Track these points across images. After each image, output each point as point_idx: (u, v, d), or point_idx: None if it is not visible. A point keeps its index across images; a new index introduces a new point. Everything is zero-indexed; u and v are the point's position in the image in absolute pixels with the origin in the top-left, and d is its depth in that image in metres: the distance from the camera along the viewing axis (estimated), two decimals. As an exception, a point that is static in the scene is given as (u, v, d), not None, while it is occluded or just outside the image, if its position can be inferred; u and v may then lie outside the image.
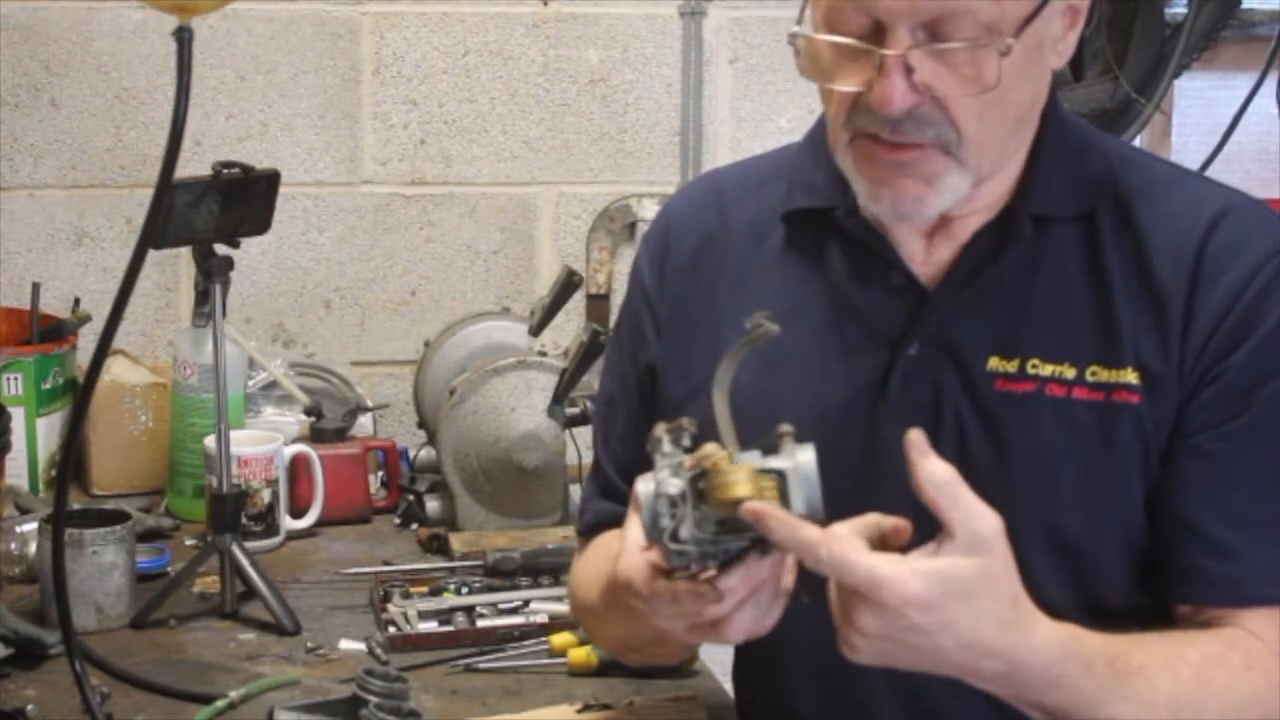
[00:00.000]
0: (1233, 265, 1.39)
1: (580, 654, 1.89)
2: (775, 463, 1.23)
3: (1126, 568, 1.42)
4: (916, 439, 1.22)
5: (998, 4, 1.28)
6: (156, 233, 1.79)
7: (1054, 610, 1.38)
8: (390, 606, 2.04)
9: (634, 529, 1.31)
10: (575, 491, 2.16)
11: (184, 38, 1.48)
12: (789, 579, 1.28)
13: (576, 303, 2.69)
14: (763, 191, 1.55)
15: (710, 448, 1.24)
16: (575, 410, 2.25)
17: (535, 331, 2.44)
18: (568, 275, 2.36)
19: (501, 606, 2.05)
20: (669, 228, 1.60)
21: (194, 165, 2.32)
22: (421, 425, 2.58)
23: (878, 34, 1.30)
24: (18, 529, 2.14)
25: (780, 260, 1.51)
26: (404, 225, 2.89)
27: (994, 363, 1.41)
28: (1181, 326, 1.39)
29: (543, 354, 2.39)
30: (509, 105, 2.90)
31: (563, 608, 1.99)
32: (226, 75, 2.80)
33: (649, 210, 2.90)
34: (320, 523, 2.36)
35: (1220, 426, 1.39)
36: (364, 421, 2.61)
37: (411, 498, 2.44)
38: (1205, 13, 2.74)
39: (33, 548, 2.10)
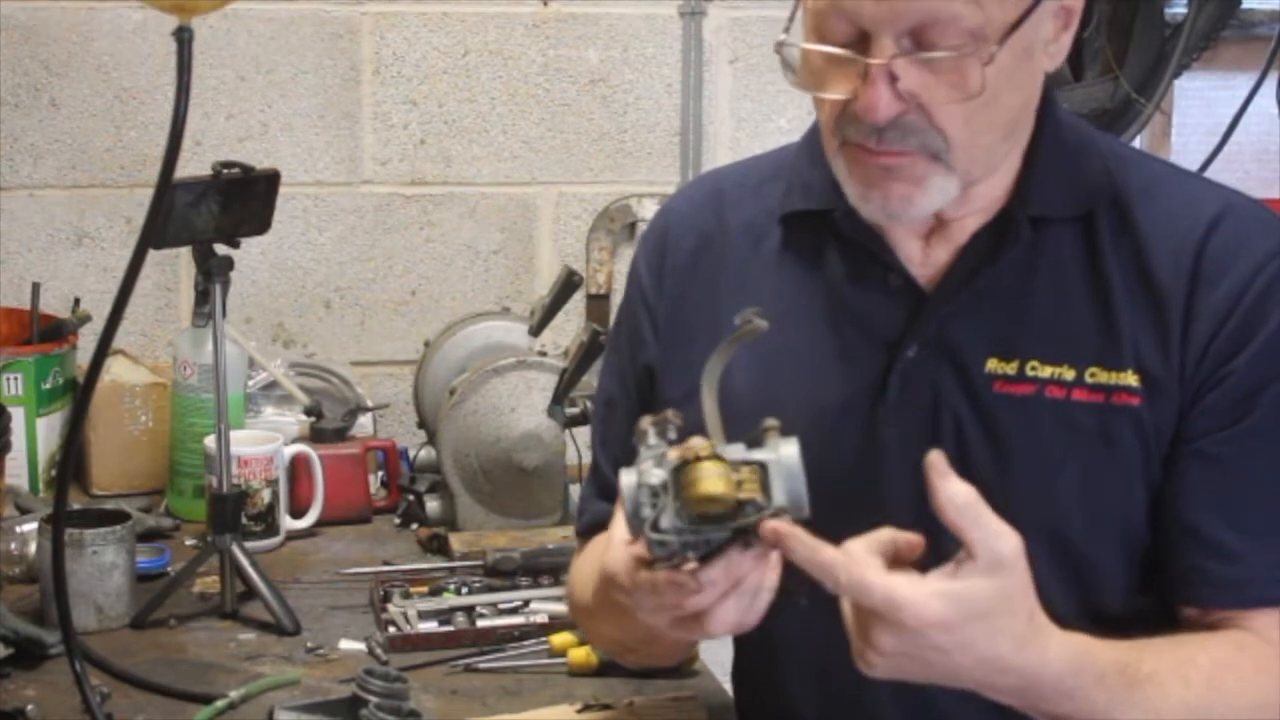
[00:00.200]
0: (1233, 267, 1.39)
1: (580, 654, 1.89)
2: (758, 455, 1.23)
3: (1127, 569, 1.42)
4: (936, 460, 1.22)
5: (982, 10, 1.28)
6: (156, 233, 1.79)
7: (1054, 612, 1.38)
8: (390, 606, 2.05)
9: (620, 523, 1.31)
10: (575, 491, 2.16)
11: (184, 38, 1.48)
12: (773, 576, 1.27)
13: (576, 303, 2.69)
14: (762, 192, 1.55)
15: (695, 440, 1.24)
16: (575, 410, 2.25)
17: (535, 331, 2.44)
18: (568, 275, 2.36)
19: (501, 606, 2.05)
20: (667, 228, 1.60)
21: (194, 165, 2.32)
22: (421, 425, 2.58)
23: (863, 42, 1.30)
24: (18, 529, 2.14)
25: (778, 262, 1.51)
26: (404, 225, 2.89)
27: (993, 364, 1.41)
28: (1181, 328, 1.39)
29: (543, 354, 2.39)
30: (509, 105, 2.90)
31: (562, 608, 1.99)
32: (226, 75, 2.80)
33: (649, 210, 2.90)
34: (320, 523, 2.36)
35: (1224, 431, 1.38)
36: (364, 421, 2.61)
37: (411, 498, 2.44)
38: (1205, 13, 2.74)
39: (33, 548, 2.10)
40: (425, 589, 2.10)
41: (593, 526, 1.62)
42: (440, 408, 2.39)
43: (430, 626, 2.00)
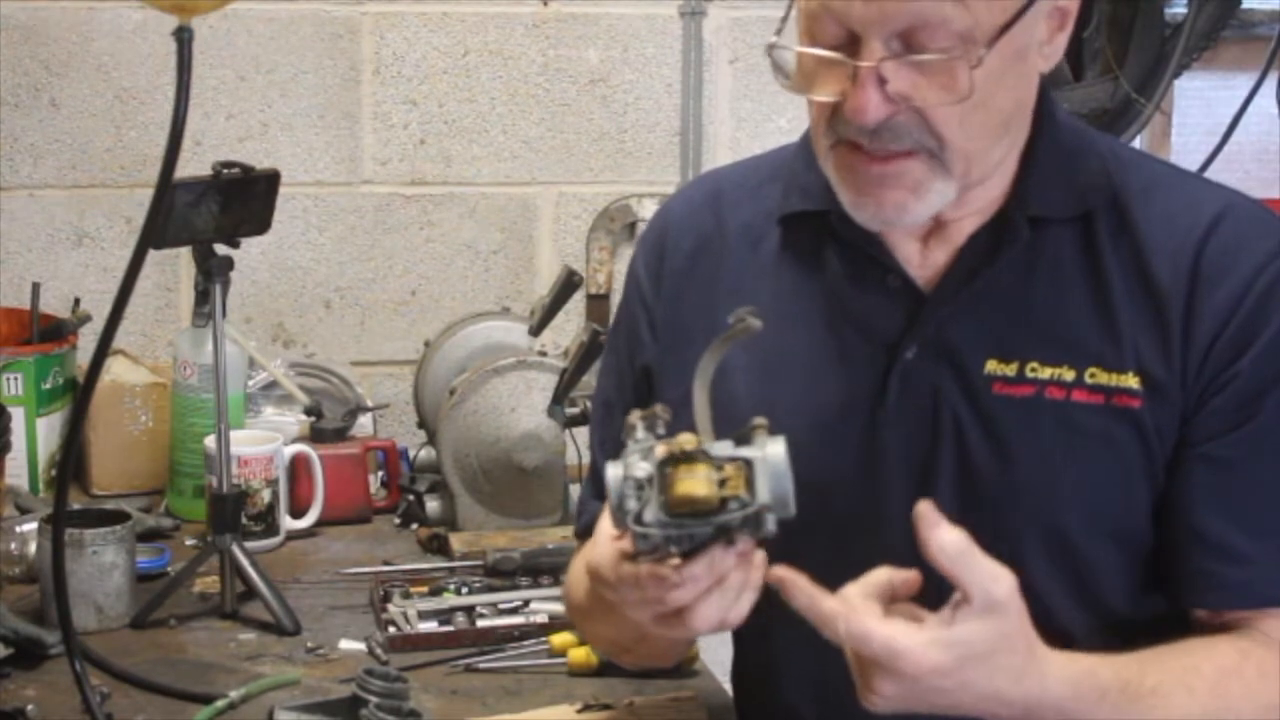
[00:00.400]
0: (1233, 268, 1.39)
1: (580, 654, 1.89)
2: (745, 452, 1.23)
3: (1129, 570, 1.42)
4: (926, 511, 1.23)
5: (970, 13, 1.27)
6: (156, 233, 1.79)
7: (1057, 616, 1.39)
8: (390, 606, 2.05)
9: (607, 518, 1.32)
10: (575, 491, 2.16)
11: (184, 38, 1.48)
12: (758, 575, 1.28)
13: (576, 303, 2.69)
14: (761, 193, 1.54)
15: (682, 436, 1.24)
16: (575, 410, 2.25)
17: (535, 331, 2.44)
18: (568, 275, 2.36)
19: (501, 606, 2.05)
20: (666, 229, 1.59)
21: (194, 165, 2.32)
22: (421, 425, 2.58)
23: (853, 44, 1.30)
24: (18, 529, 2.14)
25: (777, 263, 1.51)
26: (404, 225, 2.89)
27: (992, 366, 1.41)
28: (1182, 329, 1.39)
29: (543, 354, 2.39)
30: (509, 105, 2.90)
31: (562, 608, 1.99)
32: (226, 75, 2.80)
33: (649, 210, 2.90)
34: (320, 523, 2.36)
35: (1229, 433, 1.38)
36: (364, 421, 2.61)
37: (411, 498, 2.44)
38: (1205, 13, 2.74)
39: (33, 548, 2.10)
40: (425, 589, 2.10)
41: (591, 527, 1.62)
42: (440, 408, 2.39)
43: (430, 626, 2.00)
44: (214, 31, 2.75)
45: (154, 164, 1.74)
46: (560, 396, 2.26)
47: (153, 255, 1.78)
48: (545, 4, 2.89)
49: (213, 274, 2.04)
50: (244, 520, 2.18)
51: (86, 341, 2.55)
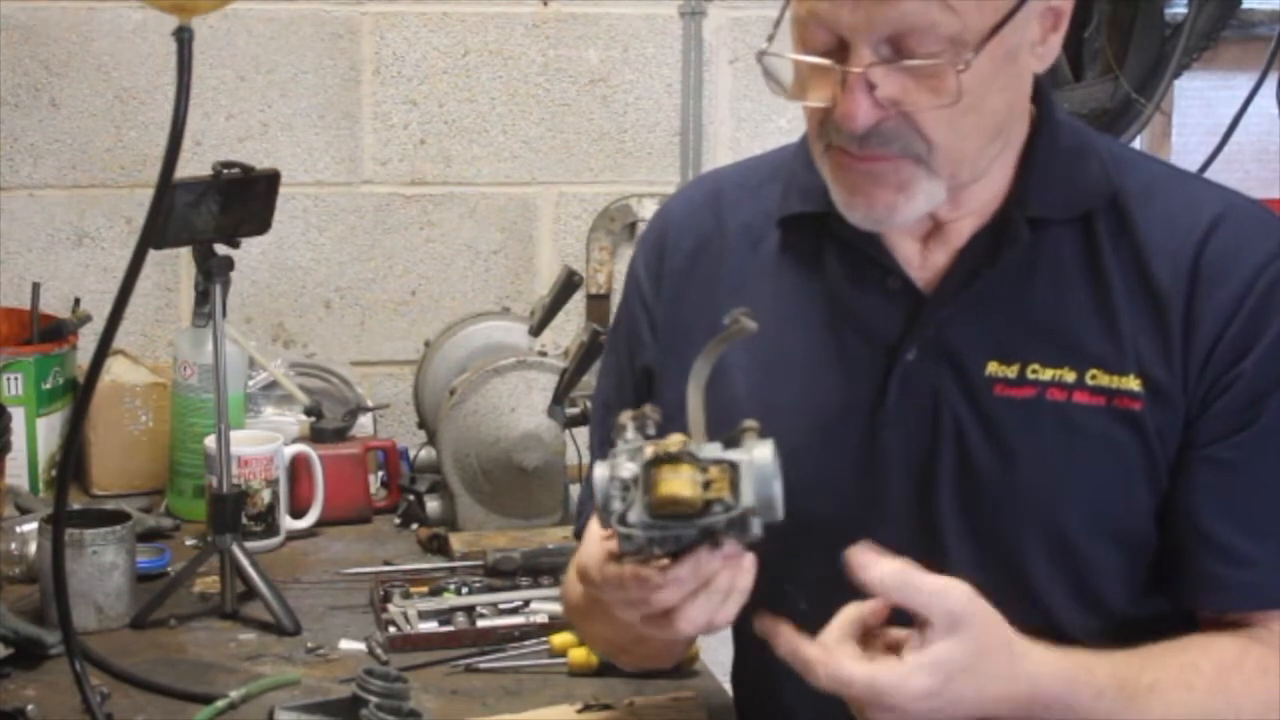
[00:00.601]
0: (1233, 270, 1.38)
1: (580, 654, 1.89)
2: (731, 455, 1.23)
3: (1129, 572, 1.42)
4: (854, 556, 1.26)
5: (959, 16, 1.27)
6: (156, 233, 1.79)
7: (1056, 616, 1.39)
8: (390, 606, 2.05)
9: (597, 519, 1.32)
10: (575, 491, 2.16)
11: (184, 38, 1.48)
12: (747, 578, 1.28)
13: (576, 303, 2.69)
14: (760, 194, 1.54)
15: (672, 437, 1.24)
16: (575, 410, 2.25)
17: (535, 331, 2.44)
18: (568, 275, 2.36)
19: (501, 606, 2.05)
20: (666, 229, 1.59)
21: (194, 165, 2.32)
22: (421, 425, 2.58)
23: (842, 50, 1.30)
24: (18, 529, 2.14)
25: (777, 265, 1.50)
26: (404, 225, 2.89)
27: (993, 367, 1.41)
28: (1182, 331, 1.38)
29: (543, 354, 2.39)
30: (509, 105, 2.90)
31: (562, 608, 1.99)
32: (226, 75, 2.80)
33: (649, 210, 2.90)
34: (320, 523, 2.36)
35: (1232, 436, 1.38)
36: (364, 421, 2.61)
37: (411, 498, 2.44)
38: (1205, 13, 2.74)
39: (33, 548, 2.10)
40: (425, 589, 2.10)
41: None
42: (440, 408, 2.39)
43: (430, 626, 2.00)
44: (214, 31, 2.75)
45: (154, 164, 1.74)
46: (560, 396, 2.26)
47: (153, 255, 1.78)
48: (545, 4, 2.89)
49: (213, 274, 2.04)
50: (244, 520, 2.18)
51: (86, 341, 2.55)
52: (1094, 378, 1.39)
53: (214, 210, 2.02)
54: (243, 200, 2.05)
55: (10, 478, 2.23)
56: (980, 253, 1.42)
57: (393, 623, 2.01)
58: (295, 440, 2.42)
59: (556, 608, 2.01)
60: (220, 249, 2.05)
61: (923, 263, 1.44)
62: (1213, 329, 1.38)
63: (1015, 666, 1.28)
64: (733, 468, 1.22)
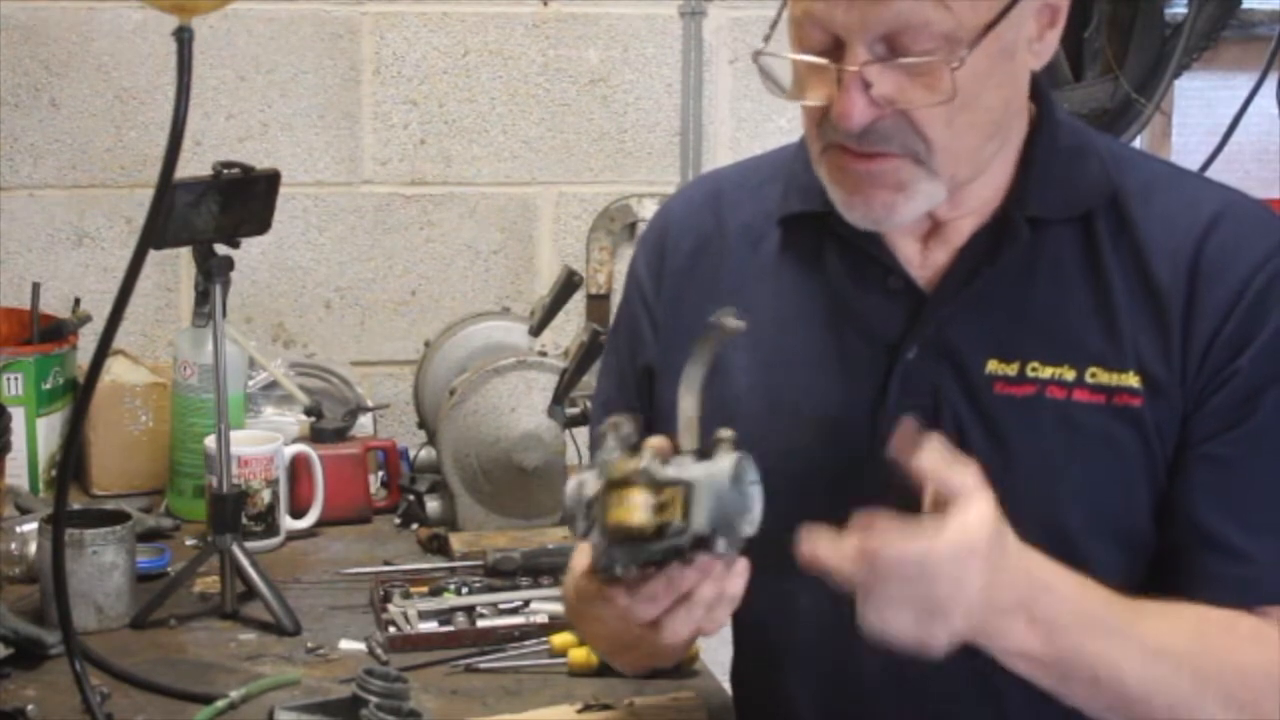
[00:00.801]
0: (1232, 267, 1.39)
1: (580, 654, 1.89)
2: (689, 474, 1.22)
3: (1129, 570, 1.42)
4: (905, 430, 1.27)
5: (953, 14, 1.27)
6: (156, 233, 1.78)
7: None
8: (390, 606, 2.05)
9: None
10: (575, 492, 2.16)
11: (184, 38, 1.48)
12: (738, 583, 1.27)
13: (576, 303, 2.69)
14: (761, 193, 1.54)
15: (654, 440, 1.23)
16: (575, 410, 2.25)
17: (535, 331, 2.44)
18: (568, 275, 2.36)
19: (501, 606, 2.05)
20: (666, 229, 1.59)
21: (194, 165, 2.32)
22: (421, 425, 2.58)
23: (838, 49, 1.30)
24: (18, 529, 2.14)
25: (777, 264, 1.51)
26: (404, 225, 2.89)
27: (993, 366, 1.41)
28: (1182, 328, 1.39)
29: (543, 354, 2.39)
30: (509, 105, 2.90)
31: (562, 608, 1.99)
32: (226, 75, 2.80)
33: (649, 210, 2.90)
34: (320, 523, 2.36)
35: (1228, 432, 1.38)
36: (364, 421, 2.61)
37: (411, 498, 2.44)
38: (1205, 13, 2.74)
39: (33, 548, 2.10)
40: (425, 589, 2.10)
41: (589, 529, 1.63)
42: (440, 408, 2.39)
43: (430, 626, 2.00)
44: (214, 31, 2.75)
45: (154, 164, 1.74)
46: (560, 396, 2.25)
47: (153, 255, 1.78)
48: (545, 4, 2.89)
49: (213, 274, 2.04)
50: (244, 520, 2.18)
51: (86, 341, 2.55)
52: (1094, 376, 1.39)
53: (214, 210, 2.02)
54: (243, 200, 2.05)
55: (10, 478, 2.23)
56: (980, 252, 1.42)
57: (393, 623, 2.01)
58: (295, 440, 2.42)
59: (556, 608, 2.01)
60: (220, 249, 2.05)
61: (923, 262, 1.45)
62: (1210, 325, 1.38)
63: (1023, 554, 1.28)
64: (688, 488, 1.21)
